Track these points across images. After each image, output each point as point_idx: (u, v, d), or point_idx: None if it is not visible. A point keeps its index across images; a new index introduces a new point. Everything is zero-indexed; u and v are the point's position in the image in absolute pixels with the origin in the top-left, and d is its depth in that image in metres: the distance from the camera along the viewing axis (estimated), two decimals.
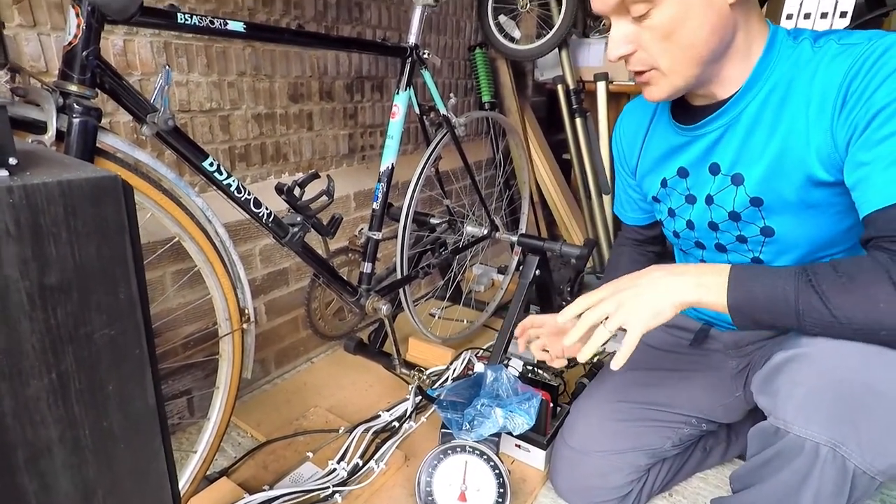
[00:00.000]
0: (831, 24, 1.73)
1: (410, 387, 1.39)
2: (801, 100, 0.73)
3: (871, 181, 0.65)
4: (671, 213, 0.96)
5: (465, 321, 1.86)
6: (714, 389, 1.05)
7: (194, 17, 0.87)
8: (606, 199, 2.28)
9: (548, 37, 2.09)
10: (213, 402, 1.05)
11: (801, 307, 0.64)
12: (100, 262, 0.45)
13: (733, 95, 0.79)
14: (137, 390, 0.50)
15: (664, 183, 0.94)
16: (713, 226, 0.89)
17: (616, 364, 0.72)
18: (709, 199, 0.87)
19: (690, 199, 0.91)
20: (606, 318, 0.72)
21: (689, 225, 0.93)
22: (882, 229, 0.64)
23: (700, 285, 0.69)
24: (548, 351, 1.02)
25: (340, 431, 1.30)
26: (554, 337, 1.01)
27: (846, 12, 1.71)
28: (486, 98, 2.26)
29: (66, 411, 0.45)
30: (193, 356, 1.30)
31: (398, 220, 1.39)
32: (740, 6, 0.72)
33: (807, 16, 1.78)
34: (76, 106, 0.74)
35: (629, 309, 0.70)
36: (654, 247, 1.14)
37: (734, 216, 0.85)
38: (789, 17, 1.80)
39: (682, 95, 0.86)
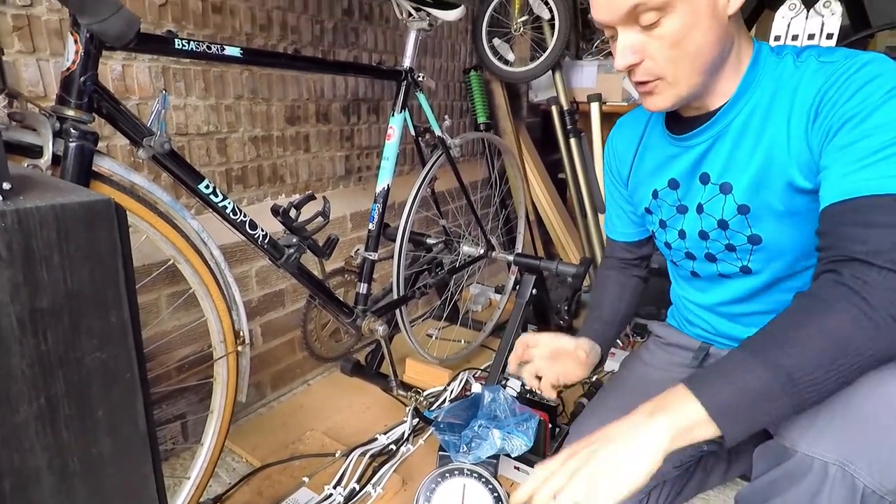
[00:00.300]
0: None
1: (408, 409, 1.38)
2: (784, 112, 0.76)
3: (827, 181, 0.69)
4: (662, 224, 0.97)
5: (463, 341, 1.85)
6: None
7: (192, 42, 0.88)
8: (602, 217, 2.29)
9: (541, 59, 2.12)
10: (206, 426, 1.04)
11: (778, 373, 0.58)
12: (92, 286, 0.45)
13: (722, 107, 0.82)
14: (128, 415, 0.49)
15: (655, 194, 0.96)
16: (703, 235, 0.90)
17: None
18: (699, 208, 0.89)
19: (682, 210, 0.92)
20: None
21: (681, 235, 0.94)
22: (826, 232, 0.67)
23: (671, 424, 0.59)
24: (540, 378, 0.99)
25: (337, 455, 1.28)
26: (549, 361, 0.99)
27: (832, 34, 1.75)
28: (481, 119, 2.29)
29: (55, 438, 0.44)
30: (188, 380, 1.29)
31: (394, 241, 1.40)
32: (735, 19, 0.75)
33: (794, 37, 1.81)
34: (73, 130, 0.75)
35: (604, 493, 0.59)
36: (639, 270, 1.13)
37: (722, 224, 0.87)
38: (777, 38, 1.84)
39: (675, 111, 0.89)
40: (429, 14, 1.33)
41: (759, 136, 0.79)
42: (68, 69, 0.76)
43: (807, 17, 1.80)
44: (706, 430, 0.59)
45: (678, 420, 0.59)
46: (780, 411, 0.59)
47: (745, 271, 0.89)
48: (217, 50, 0.93)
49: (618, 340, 1.74)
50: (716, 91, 0.81)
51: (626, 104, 2.23)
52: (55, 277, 0.42)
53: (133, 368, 0.49)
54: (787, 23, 1.84)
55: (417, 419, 1.36)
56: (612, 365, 1.71)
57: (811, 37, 1.79)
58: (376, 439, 1.33)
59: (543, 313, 1.77)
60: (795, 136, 0.74)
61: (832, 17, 1.77)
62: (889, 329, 0.57)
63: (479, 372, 1.65)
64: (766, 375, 0.58)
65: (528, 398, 1.31)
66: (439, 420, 1.16)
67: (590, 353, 0.99)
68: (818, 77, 0.72)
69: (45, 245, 0.41)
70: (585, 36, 2.47)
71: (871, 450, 0.61)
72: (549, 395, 0.97)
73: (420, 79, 1.39)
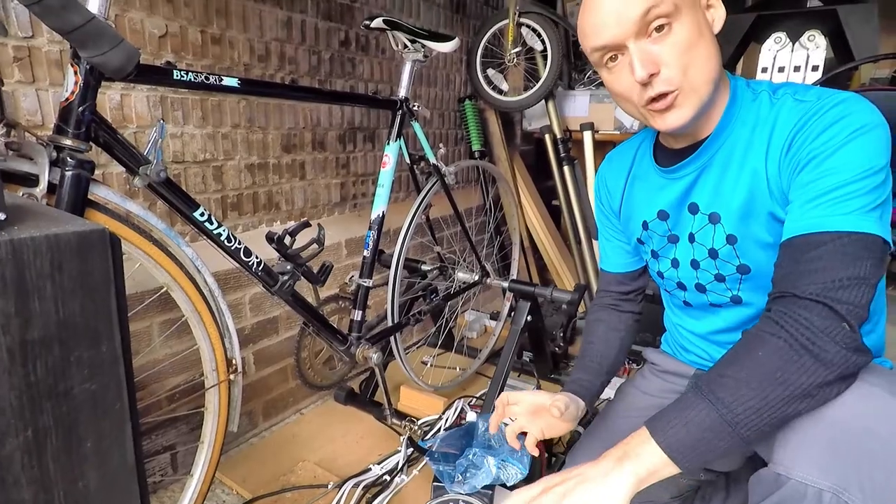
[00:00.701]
0: (804, 78, 1.81)
1: (402, 438, 1.36)
2: (762, 145, 0.78)
3: (788, 216, 0.72)
4: (654, 254, 0.98)
5: (458, 368, 1.84)
6: None
7: (190, 73, 0.90)
8: (596, 243, 2.30)
9: (535, 89, 2.16)
10: (196, 457, 1.02)
11: (718, 406, 0.64)
12: (83, 316, 0.45)
13: (707, 138, 0.84)
14: (116, 447, 0.48)
15: (645, 225, 0.97)
16: (695, 264, 0.91)
17: None
18: (691, 237, 0.90)
19: (672, 239, 0.93)
20: None
21: (674, 263, 0.95)
22: (777, 265, 0.71)
23: (632, 463, 0.65)
24: (525, 434, 0.95)
25: (329, 487, 1.26)
26: (531, 416, 0.95)
27: (818, 66, 1.80)
28: (475, 147, 2.32)
29: (41, 471, 0.43)
30: (178, 409, 1.27)
31: (389, 267, 1.40)
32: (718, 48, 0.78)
33: (781, 69, 1.86)
34: (69, 159, 0.75)
35: None
36: (634, 304, 1.10)
37: (713, 254, 0.88)
38: (764, 69, 1.88)
39: (661, 141, 0.91)
40: (424, 46, 1.36)
41: (741, 168, 0.81)
42: (67, 99, 0.77)
43: (792, 50, 1.86)
44: (667, 469, 0.65)
45: (641, 466, 0.65)
46: (728, 443, 0.64)
47: (736, 301, 0.90)
48: (215, 80, 0.94)
49: None
50: (708, 115, 0.82)
51: (619, 133, 2.27)
52: (47, 308, 0.42)
53: (123, 399, 0.49)
54: (773, 55, 1.89)
55: (412, 449, 1.34)
56: (608, 392, 1.69)
57: (797, 69, 1.84)
58: (370, 470, 1.31)
59: (539, 340, 1.76)
60: (772, 168, 0.77)
61: (817, 50, 1.83)
62: (810, 361, 0.62)
63: (475, 400, 1.64)
64: (710, 410, 0.64)
65: None
66: (434, 449, 1.15)
67: (566, 411, 0.93)
68: (794, 114, 0.75)
69: (38, 275, 0.41)
70: (577, 66, 2.53)
71: (863, 475, 0.61)
72: (534, 452, 0.94)
73: (415, 108, 1.42)
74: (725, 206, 0.83)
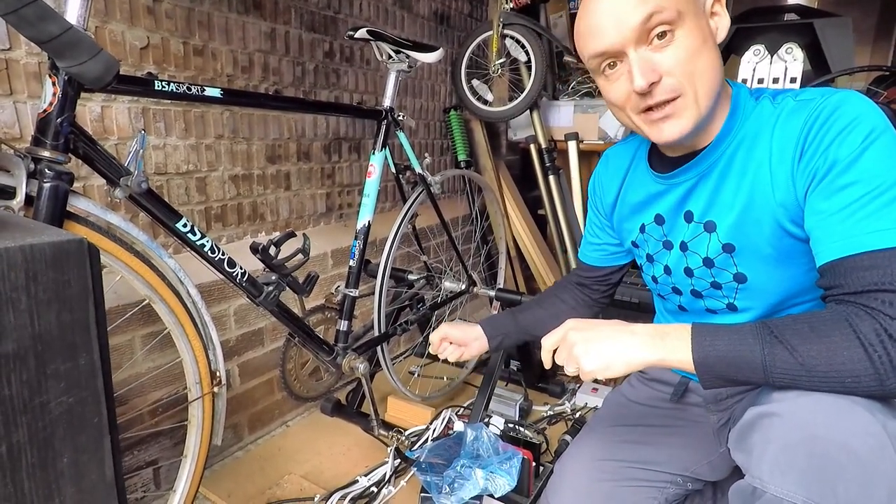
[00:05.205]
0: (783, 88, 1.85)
1: (389, 449, 1.35)
2: (765, 152, 0.76)
3: (828, 231, 0.68)
4: (649, 258, 0.98)
5: (445, 378, 1.83)
6: (698, 445, 1.04)
7: (171, 84, 0.89)
8: None
9: (519, 99, 2.18)
10: (179, 471, 1.00)
11: (766, 359, 0.64)
12: (60, 329, 0.44)
13: (707, 146, 0.82)
14: (94, 462, 0.47)
15: (643, 229, 0.97)
16: (688, 272, 0.91)
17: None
18: (683, 246, 0.89)
19: (667, 245, 0.93)
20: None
21: (667, 270, 0.95)
22: (838, 280, 0.66)
23: (661, 345, 0.69)
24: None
25: (316, 500, 1.24)
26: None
27: (796, 78, 1.83)
28: (461, 157, 2.33)
29: (15, 488, 0.42)
30: (161, 423, 1.25)
31: (375, 277, 1.39)
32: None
33: (760, 80, 1.89)
34: (47, 171, 0.75)
35: (578, 352, 0.72)
36: (593, 292, 1.13)
37: (708, 262, 0.87)
38: (744, 81, 1.92)
39: (658, 148, 0.89)
40: (408, 56, 1.37)
41: (741, 176, 0.79)
42: (45, 111, 0.76)
43: (771, 63, 1.90)
44: (686, 365, 0.69)
45: (669, 354, 0.69)
46: (755, 381, 0.67)
47: (731, 308, 0.90)
48: (197, 91, 0.94)
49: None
50: (708, 126, 0.80)
51: (603, 143, 2.30)
52: (22, 320, 0.42)
53: (101, 412, 0.48)
54: (752, 67, 1.93)
55: (399, 460, 1.32)
56: (595, 401, 1.70)
57: (776, 80, 1.88)
58: (357, 482, 1.30)
59: (526, 349, 1.76)
60: (779, 175, 0.74)
61: (794, 63, 1.87)
62: (886, 373, 0.60)
63: (462, 410, 1.63)
64: (757, 349, 0.65)
65: (511, 436, 1.30)
66: (421, 460, 1.14)
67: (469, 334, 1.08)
68: (797, 116, 0.73)
69: (12, 287, 0.41)
70: (561, 77, 2.56)
71: (837, 490, 0.61)
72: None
73: (400, 118, 1.42)
74: (722, 215, 0.82)
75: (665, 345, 0.69)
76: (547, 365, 0.81)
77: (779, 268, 0.81)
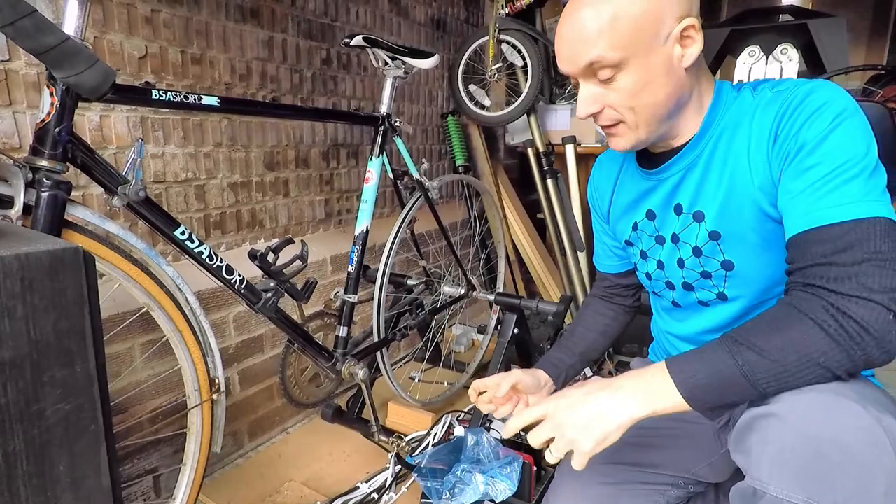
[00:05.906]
0: None
1: (390, 455, 1.35)
2: (744, 139, 0.81)
3: (794, 208, 0.72)
4: (643, 255, 0.99)
5: (446, 383, 1.83)
6: (699, 447, 1.04)
7: (169, 93, 0.90)
8: (581, 255, 2.32)
9: (516, 104, 2.19)
10: (179, 479, 1.00)
11: (743, 368, 0.66)
12: (56, 336, 0.44)
13: (688, 142, 0.86)
14: (91, 469, 0.47)
15: (635, 226, 0.99)
16: (680, 263, 0.93)
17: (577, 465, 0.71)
18: (675, 238, 0.92)
19: (660, 240, 0.95)
20: (552, 441, 0.71)
21: (660, 265, 0.96)
22: (794, 255, 0.71)
23: (647, 394, 0.69)
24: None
25: None
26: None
27: (791, 78, 1.84)
28: (459, 161, 2.33)
29: (12, 495, 0.42)
30: (161, 431, 1.25)
31: (374, 283, 1.39)
32: (694, 67, 0.80)
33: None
34: (45, 180, 0.75)
35: (573, 436, 0.70)
36: (624, 298, 1.15)
37: (696, 251, 0.89)
38: (740, 82, 1.93)
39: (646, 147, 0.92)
40: (404, 62, 1.38)
41: (724, 164, 0.83)
42: (43, 121, 0.77)
43: (766, 63, 1.91)
44: (679, 407, 0.69)
45: (657, 404, 0.69)
46: (745, 396, 0.67)
47: (722, 297, 0.91)
48: (195, 99, 0.95)
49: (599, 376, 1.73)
50: (679, 131, 0.85)
51: (600, 146, 2.31)
52: (18, 328, 0.42)
53: (98, 419, 0.48)
54: (748, 68, 1.94)
55: (400, 465, 1.32)
56: None
57: None
58: (358, 488, 1.29)
59: (526, 352, 1.76)
60: (756, 160, 0.79)
61: (790, 63, 1.88)
62: (848, 345, 0.63)
63: (463, 414, 1.63)
64: (731, 362, 0.67)
65: (512, 440, 1.29)
66: (422, 466, 1.14)
67: (530, 385, 0.99)
68: (773, 105, 0.77)
69: (8, 296, 0.41)
70: (558, 81, 2.57)
71: (837, 488, 0.62)
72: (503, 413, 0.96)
73: (397, 124, 1.43)
74: (708, 204, 0.85)
75: (653, 393, 0.69)
76: (507, 436, 0.78)
77: (764, 253, 0.83)
